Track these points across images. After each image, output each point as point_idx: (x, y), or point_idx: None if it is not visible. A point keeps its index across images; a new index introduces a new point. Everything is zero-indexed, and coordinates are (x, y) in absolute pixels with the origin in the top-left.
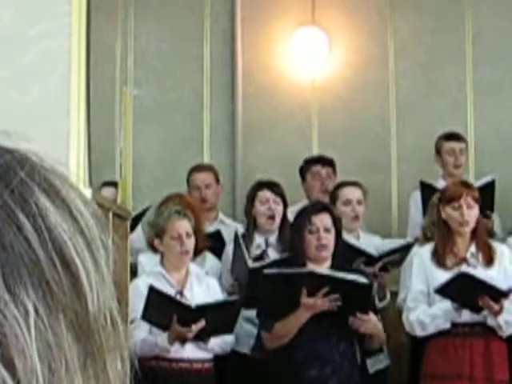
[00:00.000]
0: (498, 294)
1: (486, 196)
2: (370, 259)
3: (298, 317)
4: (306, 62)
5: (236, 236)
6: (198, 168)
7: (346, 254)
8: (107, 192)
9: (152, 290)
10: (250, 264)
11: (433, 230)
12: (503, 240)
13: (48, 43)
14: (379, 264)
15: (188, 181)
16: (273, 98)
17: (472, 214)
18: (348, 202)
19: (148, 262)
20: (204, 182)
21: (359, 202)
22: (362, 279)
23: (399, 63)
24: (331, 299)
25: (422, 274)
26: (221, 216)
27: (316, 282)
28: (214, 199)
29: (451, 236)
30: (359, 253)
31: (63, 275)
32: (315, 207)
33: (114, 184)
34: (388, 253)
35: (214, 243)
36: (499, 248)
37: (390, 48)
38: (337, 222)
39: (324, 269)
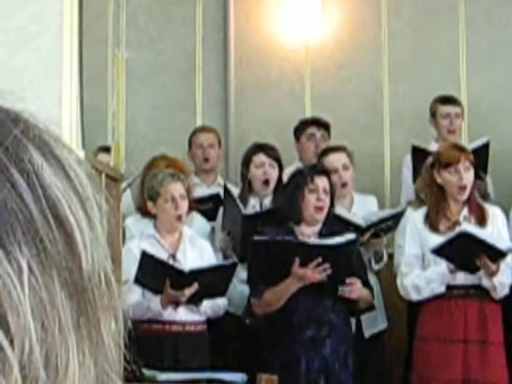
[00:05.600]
0: (496, 254)
1: (480, 158)
2: (358, 230)
3: (288, 285)
4: (299, 24)
5: (225, 187)
6: (202, 128)
7: (335, 225)
8: (104, 157)
9: (145, 255)
10: (244, 211)
11: (426, 193)
12: (496, 203)
13: (40, 4)
14: (368, 234)
15: (190, 141)
16: (265, 60)
17: (469, 177)
18: (334, 170)
19: (135, 225)
20: (207, 141)
21: (345, 167)
22: (349, 236)
23: (392, 25)
24: (321, 270)
25: (416, 238)
26: (219, 179)
27: (306, 251)
28: (216, 160)
29: (445, 200)
30: (347, 223)
31: (57, 233)
32: (317, 169)
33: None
34: (377, 223)
35: (212, 205)
36: (491, 210)
37: (383, 9)
38: (332, 189)
39: (313, 238)
